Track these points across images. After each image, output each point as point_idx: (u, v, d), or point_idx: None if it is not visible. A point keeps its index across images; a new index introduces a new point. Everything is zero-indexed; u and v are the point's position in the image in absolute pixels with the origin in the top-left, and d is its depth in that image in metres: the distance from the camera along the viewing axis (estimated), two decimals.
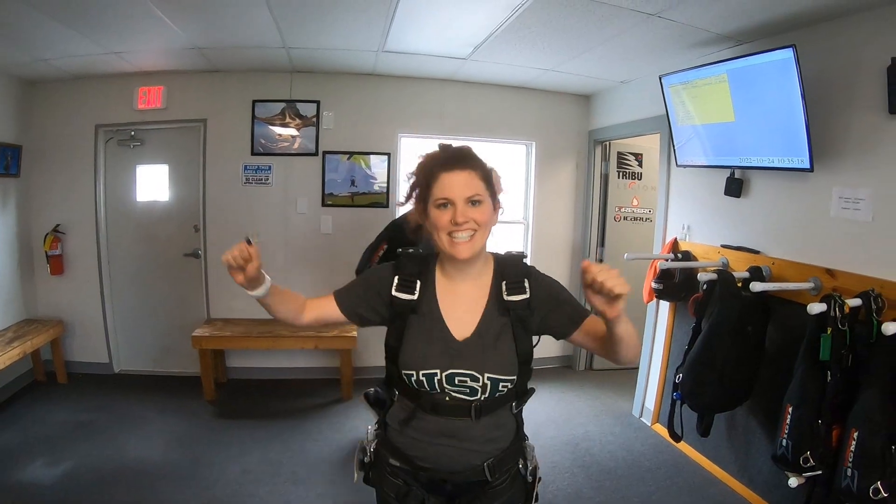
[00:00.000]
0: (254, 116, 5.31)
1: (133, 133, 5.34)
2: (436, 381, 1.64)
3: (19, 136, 5.07)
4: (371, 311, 1.77)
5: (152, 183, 5.50)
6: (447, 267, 1.74)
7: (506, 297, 1.68)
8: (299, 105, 5.35)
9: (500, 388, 1.65)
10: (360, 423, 4.57)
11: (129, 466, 3.85)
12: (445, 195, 1.60)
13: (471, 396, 1.65)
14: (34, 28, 3.79)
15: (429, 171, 1.65)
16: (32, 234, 5.32)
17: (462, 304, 1.71)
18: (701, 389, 3.27)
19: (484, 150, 1.90)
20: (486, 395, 1.65)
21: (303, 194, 5.49)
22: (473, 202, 1.61)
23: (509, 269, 1.74)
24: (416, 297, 1.70)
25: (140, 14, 3.57)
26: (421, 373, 1.65)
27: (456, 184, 1.61)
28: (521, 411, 1.80)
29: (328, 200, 5.52)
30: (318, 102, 5.37)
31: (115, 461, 3.91)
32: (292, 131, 5.39)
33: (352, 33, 4.11)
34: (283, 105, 5.33)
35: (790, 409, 2.69)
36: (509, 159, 5.90)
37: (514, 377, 1.67)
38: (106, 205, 5.41)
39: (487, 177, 1.68)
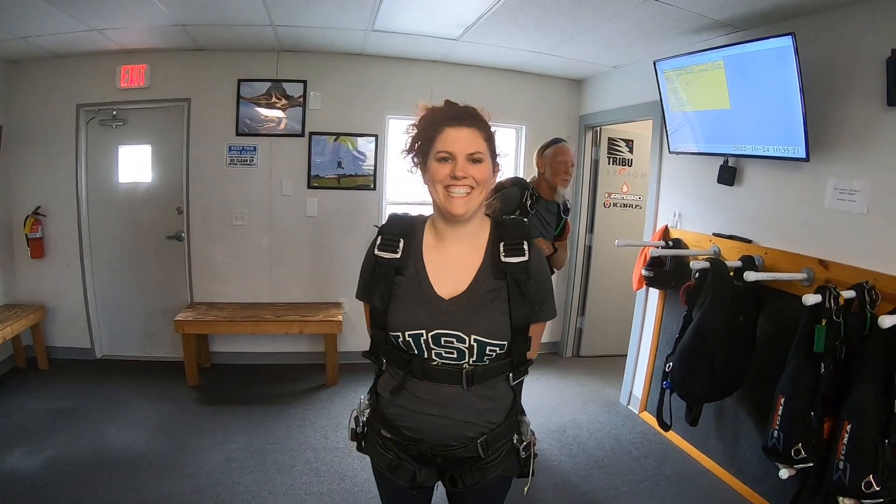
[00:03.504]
0: (239, 96, 5.20)
1: (115, 113, 5.22)
2: (422, 341, 1.62)
3: (0, 117, 4.93)
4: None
5: (135, 164, 5.38)
6: (440, 226, 1.72)
7: (503, 259, 1.67)
8: (286, 85, 5.25)
9: (489, 353, 1.63)
10: (346, 410, 4.53)
11: (111, 454, 3.79)
12: (448, 149, 1.61)
13: (458, 360, 1.63)
14: (13, 4, 3.67)
15: (433, 125, 1.65)
16: (12, 217, 5.18)
17: (452, 265, 1.69)
18: (691, 379, 3.25)
19: None
20: (474, 359, 1.63)
21: (288, 176, 5.41)
22: (475, 160, 1.62)
23: (509, 230, 1.72)
24: (398, 255, 1.68)
25: None
26: (407, 333, 1.63)
27: (459, 139, 1.61)
28: (519, 384, 1.77)
29: (314, 182, 5.44)
30: (304, 82, 5.28)
31: (97, 449, 3.84)
32: (278, 112, 5.29)
33: (340, 11, 4.01)
34: (269, 84, 5.23)
35: (782, 401, 2.67)
36: (499, 143, 5.77)
37: (504, 343, 1.64)
38: (87, 186, 5.29)
39: (490, 138, 1.70)
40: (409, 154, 1.75)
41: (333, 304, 5.44)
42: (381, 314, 1.67)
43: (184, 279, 5.43)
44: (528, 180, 3.72)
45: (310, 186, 5.44)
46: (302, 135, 5.36)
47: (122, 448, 3.88)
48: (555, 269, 3.80)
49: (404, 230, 1.72)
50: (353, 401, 4.59)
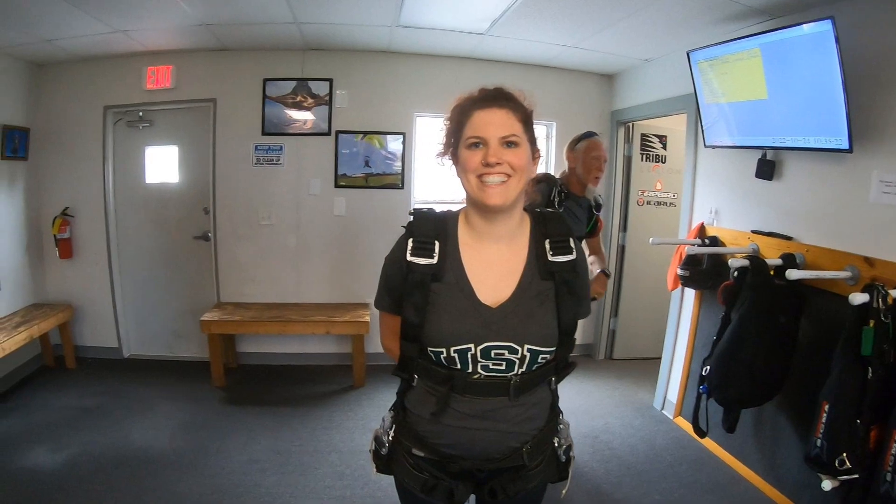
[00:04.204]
0: (265, 95, 5.18)
1: (142, 114, 5.25)
2: (469, 356, 1.46)
3: (27, 119, 5.01)
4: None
5: (161, 164, 5.41)
6: (475, 222, 1.54)
7: (550, 258, 1.52)
8: (311, 83, 5.20)
9: (540, 361, 1.50)
10: (373, 412, 4.49)
11: (133, 453, 3.78)
12: (478, 133, 1.45)
13: (508, 371, 1.48)
14: (38, 8, 3.70)
15: (462, 110, 1.50)
16: (41, 218, 5.25)
17: (494, 268, 1.53)
18: (729, 382, 3.09)
19: None
20: (525, 369, 1.49)
21: (315, 175, 5.36)
22: (509, 143, 1.45)
23: (552, 225, 1.57)
24: (435, 260, 1.50)
25: None
26: (452, 349, 1.46)
27: (491, 122, 1.45)
28: (557, 386, 1.65)
29: (341, 181, 5.38)
30: (330, 81, 5.22)
31: (120, 448, 3.84)
32: (304, 111, 5.25)
33: (364, 5, 3.95)
34: (294, 83, 5.19)
35: (826, 407, 2.51)
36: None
37: (554, 348, 1.51)
38: (115, 187, 5.34)
39: (527, 119, 1.52)
40: (444, 153, 1.58)
41: (361, 304, 5.36)
42: (415, 327, 1.49)
43: (211, 279, 5.43)
44: (556, 176, 3.59)
45: (337, 185, 5.38)
46: (328, 133, 5.30)
47: (144, 447, 3.87)
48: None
49: (438, 230, 1.54)
50: (380, 403, 4.57)
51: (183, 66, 5.09)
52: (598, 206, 3.67)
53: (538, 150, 1.57)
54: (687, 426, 3.98)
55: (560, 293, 1.50)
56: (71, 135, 5.16)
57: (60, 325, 5.11)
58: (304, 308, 5.25)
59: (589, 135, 3.53)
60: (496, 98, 1.49)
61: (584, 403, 4.78)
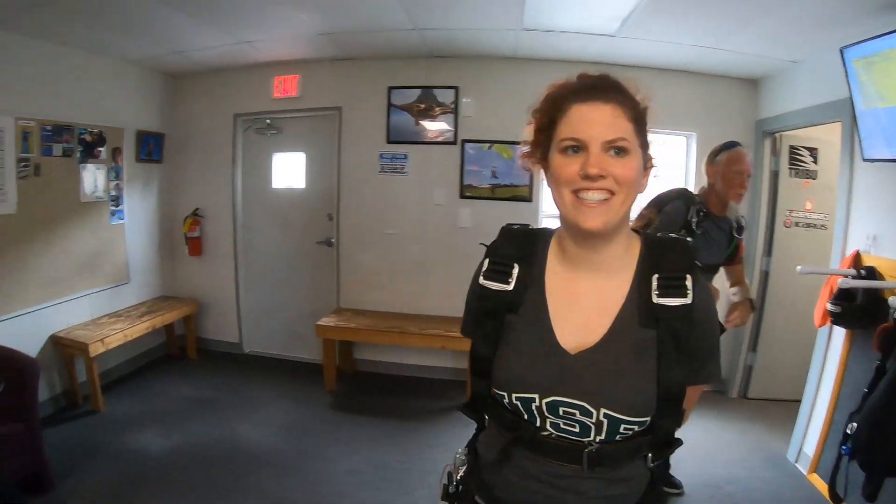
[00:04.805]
0: (389, 104, 5.17)
1: (269, 121, 5.46)
2: (533, 408, 1.18)
3: (163, 125, 5.49)
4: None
5: (288, 170, 5.59)
6: (568, 246, 1.23)
7: (656, 300, 1.16)
8: (436, 91, 5.12)
9: (624, 431, 1.15)
10: None
11: (237, 449, 3.92)
12: (575, 135, 1.11)
13: (581, 436, 1.17)
14: (162, 22, 3.95)
15: (556, 103, 1.17)
16: (173, 217, 5.68)
17: (584, 305, 1.21)
18: (878, 447, 2.60)
19: None
20: (603, 438, 1.16)
21: (440, 185, 5.25)
22: (617, 150, 1.11)
23: (668, 256, 1.21)
24: (510, 286, 1.23)
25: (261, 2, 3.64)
26: (514, 396, 1.19)
27: (593, 121, 1.11)
28: (662, 462, 1.30)
29: (467, 192, 5.24)
30: (456, 88, 5.11)
31: (225, 442, 4.00)
32: (429, 119, 5.19)
33: (482, 8, 3.81)
34: (419, 91, 5.14)
35: None
36: (666, 153, 5.24)
37: (646, 419, 1.16)
38: (243, 191, 5.61)
39: (639, 118, 1.17)
40: (531, 156, 1.26)
41: None
42: (484, 361, 1.25)
43: (331, 284, 5.50)
44: (695, 192, 3.22)
45: (462, 196, 5.25)
46: (454, 142, 5.19)
47: (248, 444, 4.00)
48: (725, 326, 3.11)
49: (521, 251, 1.27)
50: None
51: (308, 75, 5.23)
52: (741, 228, 3.26)
53: (651, 159, 1.22)
54: (822, 486, 3.44)
55: (664, 347, 1.14)
56: (203, 140, 5.54)
57: (185, 318, 5.47)
58: (421, 320, 5.14)
59: (731, 145, 3.13)
60: (601, 88, 1.14)
61: (709, 446, 4.27)
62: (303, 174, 5.55)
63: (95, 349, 4.26)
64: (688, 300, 1.15)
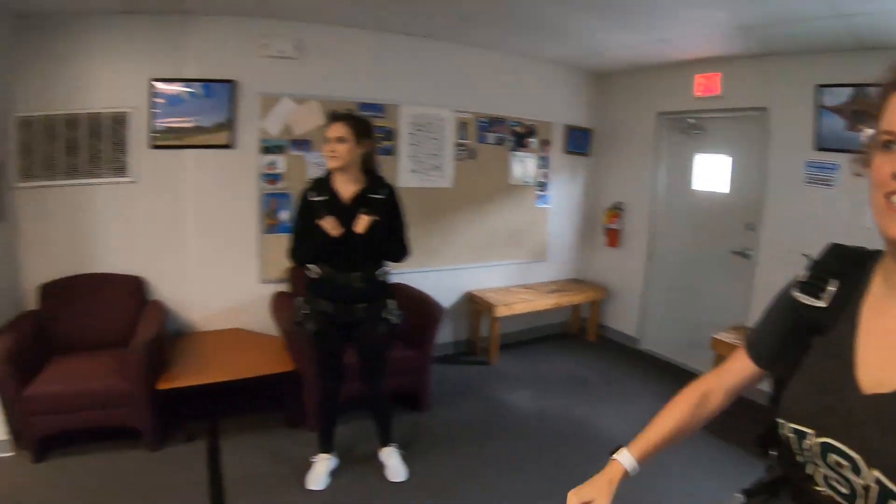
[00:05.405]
0: (817, 104, 4.45)
1: (693, 121, 5.35)
2: (804, 445, 1.01)
3: (590, 121, 6.05)
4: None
5: (709, 172, 5.37)
6: (889, 267, 1.00)
7: None
8: (873, 90, 4.18)
9: None
10: None
11: (591, 430, 4.15)
12: (892, 128, 0.90)
13: (851, 499, 0.96)
14: (573, 25, 4.32)
15: (882, 90, 0.96)
16: (595, 207, 6.19)
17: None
18: None
19: None
20: None
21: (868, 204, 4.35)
22: None
23: None
24: (824, 304, 1.05)
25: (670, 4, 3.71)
26: (790, 425, 1.03)
27: None
28: None
29: None
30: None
31: (583, 420, 4.29)
32: (865, 123, 4.27)
33: None
34: (851, 90, 4.26)
35: None
36: None
37: None
38: (663, 189, 5.66)
39: None
40: (865, 156, 1.01)
41: None
42: (777, 382, 1.13)
43: (741, 299, 5.04)
44: None
45: None
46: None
47: (603, 429, 4.17)
48: None
49: (844, 268, 1.07)
50: None
51: (730, 73, 4.94)
52: None
53: None
54: None
55: None
56: (626, 137, 5.83)
57: (591, 302, 5.91)
58: None
59: None
60: None
61: None
62: (727, 178, 5.23)
63: (501, 311, 5.05)
64: None
